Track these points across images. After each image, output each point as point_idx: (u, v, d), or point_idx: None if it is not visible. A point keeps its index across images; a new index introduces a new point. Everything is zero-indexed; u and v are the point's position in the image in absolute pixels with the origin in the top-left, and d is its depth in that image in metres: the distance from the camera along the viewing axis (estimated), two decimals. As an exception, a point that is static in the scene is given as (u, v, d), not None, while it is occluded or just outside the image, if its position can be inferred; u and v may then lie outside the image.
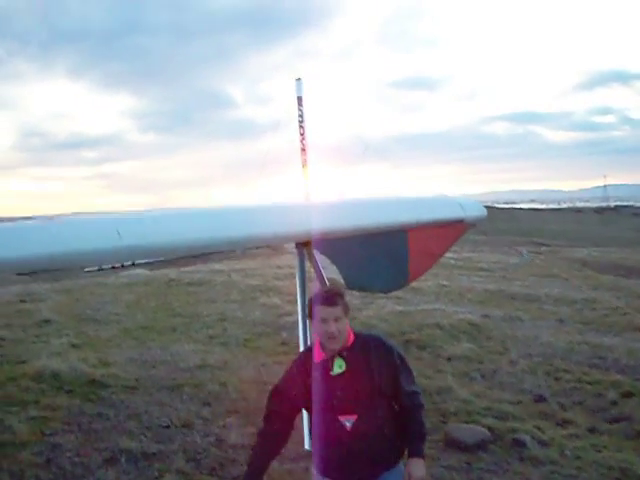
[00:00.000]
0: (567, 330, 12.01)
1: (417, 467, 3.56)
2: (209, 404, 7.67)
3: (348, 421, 3.61)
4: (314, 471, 3.84)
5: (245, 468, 3.82)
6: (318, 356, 3.72)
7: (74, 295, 18.04)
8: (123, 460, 5.93)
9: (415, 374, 3.77)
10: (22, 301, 16.76)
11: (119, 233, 3.46)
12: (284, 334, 11.92)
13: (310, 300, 3.76)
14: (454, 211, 5.84)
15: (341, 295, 3.72)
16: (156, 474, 5.63)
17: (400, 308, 14.38)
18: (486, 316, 13.27)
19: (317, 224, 4.91)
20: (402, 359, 3.78)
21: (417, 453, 3.62)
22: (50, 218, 3.77)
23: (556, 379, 8.73)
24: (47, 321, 13.81)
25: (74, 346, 11.20)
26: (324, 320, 3.60)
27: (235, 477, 5.58)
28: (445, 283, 18.83)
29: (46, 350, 10.50)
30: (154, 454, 6.07)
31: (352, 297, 16.44)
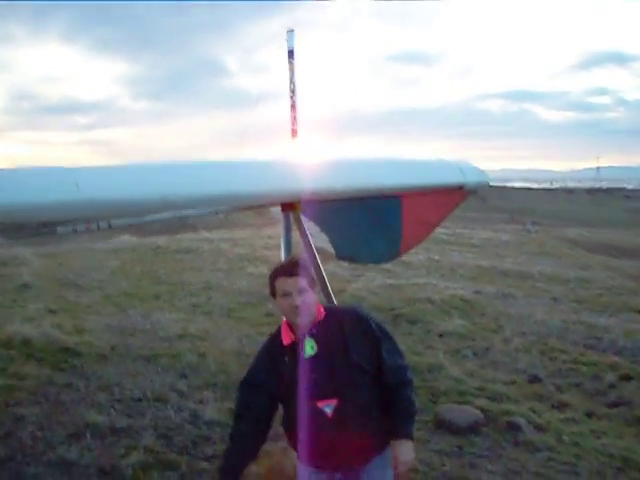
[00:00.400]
0: (561, 309, 11.69)
1: (405, 450, 3.18)
2: (186, 376, 7.26)
3: (328, 407, 3.19)
4: (297, 462, 3.42)
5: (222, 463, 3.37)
6: (286, 338, 3.30)
7: (58, 260, 17.67)
8: (88, 435, 5.50)
9: (405, 350, 3.35)
10: (3, 264, 16.35)
11: (77, 185, 3.01)
12: (270, 305, 11.52)
13: (269, 275, 3.34)
14: (453, 175, 5.35)
15: (304, 265, 3.30)
16: (122, 451, 5.20)
17: (390, 281, 14.05)
18: (478, 292, 12.94)
19: (305, 183, 4.43)
20: (382, 330, 3.35)
21: (405, 434, 3.23)
22: (12, 170, 3.34)
23: (551, 359, 8.36)
24: (26, 285, 13.51)
25: (51, 311, 10.85)
26: (287, 294, 3.19)
27: (208, 457, 5.17)
28: (437, 258, 18.56)
29: (20, 315, 10.08)
30: (123, 429, 5.64)
31: (341, 269, 16.12)
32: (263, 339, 8.49)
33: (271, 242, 20.61)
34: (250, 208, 11.90)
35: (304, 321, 3.21)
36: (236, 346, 8.60)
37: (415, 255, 18.34)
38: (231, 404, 6.25)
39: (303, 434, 3.24)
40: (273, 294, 3.30)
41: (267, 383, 3.30)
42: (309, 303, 3.23)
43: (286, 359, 3.26)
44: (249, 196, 4.15)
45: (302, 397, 3.21)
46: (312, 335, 3.23)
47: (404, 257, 17.52)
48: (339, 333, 3.25)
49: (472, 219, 31.10)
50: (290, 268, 3.25)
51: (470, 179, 5.37)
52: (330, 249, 7.80)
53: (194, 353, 8.09)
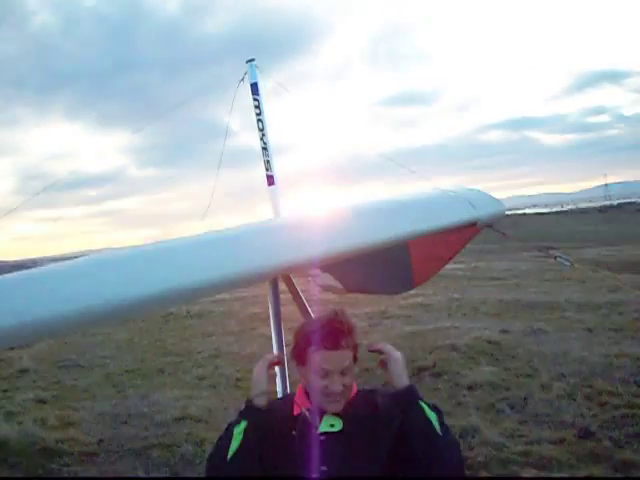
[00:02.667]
0: (599, 341, 10.65)
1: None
2: (177, 474, 6.24)
3: None
4: None
5: None
6: (299, 406, 2.35)
7: (65, 338, 16.85)
8: None
9: None
10: (10, 348, 15.56)
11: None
12: (281, 370, 10.59)
13: (300, 336, 2.38)
14: (464, 212, 4.39)
15: (350, 329, 2.36)
16: None
17: (410, 328, 13.20)
18: (505, 331, 11.98)
19: (299, 251, 3.45)
20: (430, 419, 2.37)
21: None
22: None
23: (601, 405, 7.30)
24: (24, 371, 12.75)
25: (40, 402, 9.96)
26: (326, 373, 2.25)
27: None
28: (456, 296, 17.72)
29: (4, 410, 9.17)
30: None
31: (358, 319, 15.22)
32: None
33: (285, 297, 19.74)
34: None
35: (336, 408, 2.30)
36: (240, 427, 7.60)
37: (434, 296, 17.58)
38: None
39: None
40: (299, 361, 2.38)
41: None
42: (349, 388, 2.31)
43: (294, 433, 2.33)
44: (231, 280, 3.19)
45: None
46: (337, 414, 2.33)
47: (423, 299, 16.76)
48: (370, 421, 2.36)
49: (487, 250, 30.15)
50: (335, 337, 2.31)
51: (483, 212, 4.41)
52: (338, 284, 6.91)
53: (191, 441, 7.10)
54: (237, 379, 10.54)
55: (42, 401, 9.98)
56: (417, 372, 9.38)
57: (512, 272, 23.96)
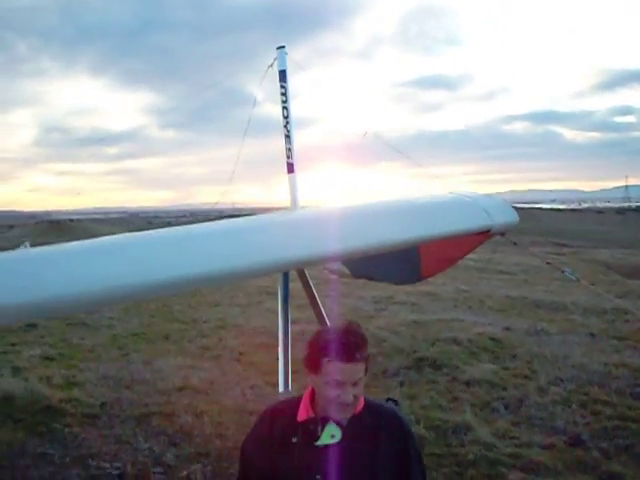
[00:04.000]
0: (600, 348, 10.68)
1: None
2: (176, 444, 6.37)
3: None
4: None
5: None
6: (304, 413, 2.46)
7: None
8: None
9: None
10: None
11: None
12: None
13: (315, 346, 2.47)
14: (478, 219, 4.46)
15: (364, 343, 2.46)
16: None
17: (414, 317, 13.26)
18: (508, 329, 12.06)
19: (312, 249, 3.56)
20: (418, 454, 2.54)
21: None
22: None
23: (594, 414, 7.37)
24: (33, 325, 12.77)
25: (46, 359, 10.11)
26: (339, 384, 2.34)
27: None
28: (464, 288, 17.86)
29: (11, 365, 9.36)
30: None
31: (364, 302, 15.33)
32: (271, 390, 7.64)
33: (292, 273, 19.82)
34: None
35: (346, 415, 2.40)
36: (238, 401, 7.74)
37: (442, 286, 17.65)
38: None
39: None
40: (312, 369, 2.46)
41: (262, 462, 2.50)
42: (359, 398, 2.42)
43: (295, 440, 2.44)
44: (249, 272, 3.31)
45: None
46: (339, 423, 2.41)
47: (431, 288, 16.82)
48: (370, 436, 2.44)
49: (500, 242, 30.07)
50: (351, 350, 2.39)
51: (497, 221, 4.49)
52: (345, 270, 7.00)
53: (190, 413, 7.23)
54: (240, 352, 10.67)
55: (49, 358, 10.16)
56: (417, 362, 9.48)
57: (522, 267, 23.89)
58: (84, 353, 10.71)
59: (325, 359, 2.39)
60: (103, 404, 7.60)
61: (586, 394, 8.03)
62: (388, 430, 2.47)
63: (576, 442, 6.56)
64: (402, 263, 6.15)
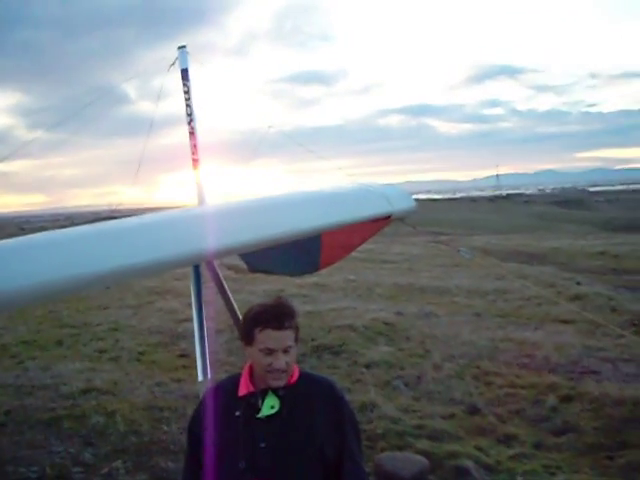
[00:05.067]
0: (486, 325, 11.39)
1: None
2: (91, 443, 6.36)
3: None
4: None
5: None
6: (244, 388, 2.63)
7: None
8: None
9: None
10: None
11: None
12: (183, 344, 10.73)
13: (248, 318, 2.64)
14: (380, 206, 4.77)
15: (292, 312, 2.64)
16: None
17: (308, 307, 13.50)
18: (400, 313, 12.54)
19: (216, 241, 3.72)
20: (354, 422, 2.74)
21: None
22: None
23: (487, 384, 7.93)
24: None
25: None
26: (270, 351, 2.52)
27: None
28: (352, 277, 18.16)
29: None
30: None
31: (254, 296, 15.46)
32: (177, 386, 7.69)
33: (180, 272, 19.68)
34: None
35: (280, 383, 2.57)
36: (147, 398, 7.75)
37: (330, 277, 17.91)
38: (144, 476, 5.52)
39: None
40: (247, 340, 2.62)
41: (215, 448, 2.62)
42: (291, 365, 2.59)
43: (237, 414, 2.60)
44: (151, 267, 3.43)
45: (238, 468, 2.54)
46: (276, 393, 2.59)
47: (320, 279, 17.16)
48: (308, 403, 2.62)
49: (381, 233, 30.88)
50: (279, 318, 2.56)
51: (398, 207, 4.82)
52: (242, 264, 7.15)
53: (100, 413, 7.17)
54: (139, 352, 10.54)
55: (-63, 373, 9.77)
56: (316, 350, 9.76)
57: (405, 256, 24.70)
58: None
59: (257, 329, 2.58)
60: (7, 412, 7.43)
61: (478, 367, 8.58)
62: (322, 397, 2.68)
63: (473, 410, 7.05)
64: (301, 254, 6.38)
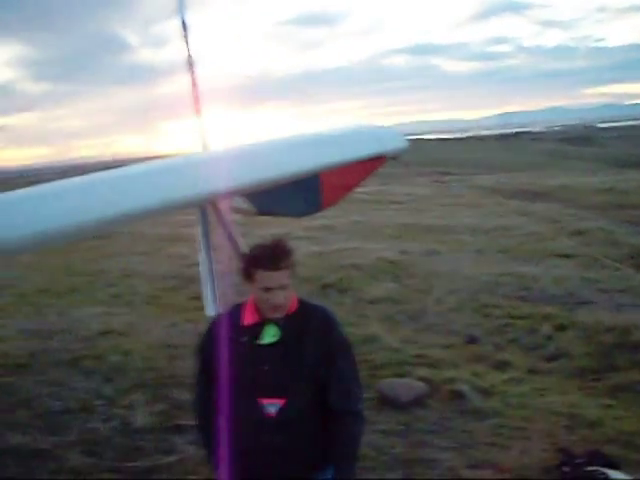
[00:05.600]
0: (487, 261, 11.74)
1: None
2: (111, 379, 6.77)
3: (273, 406, 2.85)
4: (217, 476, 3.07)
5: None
6: (249, 318, 2.96)
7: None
8: (9, 462, 5.02)
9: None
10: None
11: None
12: (194, 287, 11.11)
13: (247, 258, 2.94)
14: (373, 146, 5.08)
15: (288, 253, 2.94)
16: (46, 477, 4.76)
17: (315, 249, 13.85)
18: (404, 252, 12.87)
19: (220, 183, 4.04)
20: (344, 340, 3.03)
21: (343, 476, 2.89)
22: None
23: (485, 316, 8.32)
24: None
25: (-40, 319, 10.12)
26: (268, 289, 2.84)
27: (142, 470, 4.79)
28: (358, 219, 18.48)
29: None
30: (46, 450, 5.15)
31: (260, 240, 15.78)
32: (191, 326, 8.11)
33: (190, 218, 19.97)
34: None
35: (277, 316, 2.90)
36: (162, 338, 8.17)
37: (336, 218, 18.21)
38: (163, 406, 5.92)
39: (235, 435, 2.91)
40: (247, 279, 2.92)
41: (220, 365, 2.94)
42: (289, 297, 2.91)
43: (244, 340, 2.92)
44: (161, 207, 3.77)
45: (245, 389, 2.89)
46: (276, 322, 2.92)
47: (327, 221, 17.48)
48: (304, 329, 2.92)
49: (388, 175, 31.03)
50: (275, 260, 2.84)
51: (390, 147, 5.13)
52: (249, 207, 7.49)
53: (118, 352, 7.59)
54: (152, 296, 10.95)
55: (-38, 319, 10.20)
56: (323, 288, 10.13)
57: (411, 197, 24.96)
58: None
59: (255, 269, 2.91)
60: (31, 354, 7.85)
61: (477, 301, 8.96)
62: (314, 321, 3.01)
63: (471, 340, 7.45)
64: (303, 194, 6.70)
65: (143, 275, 12.89)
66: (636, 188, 23.63)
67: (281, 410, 2.83)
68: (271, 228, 16.75)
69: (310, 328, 2.94)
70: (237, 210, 8.34)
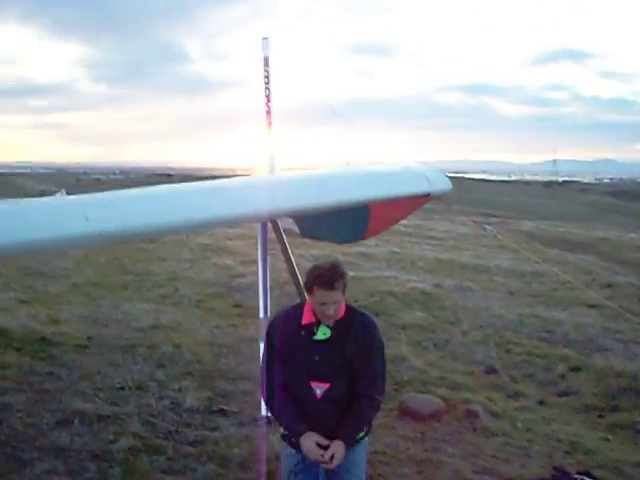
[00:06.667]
0: (517, 303, 12.24)
1: (340, 450, 3.58)
2: (163, 366, 7.54)
3: (320, 388, 3.64)
4: (283, 444, 3.86)
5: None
6: (308, 318, 3.72)
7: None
8: (76, 422, 5.79)
9: None
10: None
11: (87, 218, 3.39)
12: (237, 296, 11.86)
13: (309, 277, 3.71)
14: (420, 185, 5.78)
15: (342, 276, 3.69)
16: (111, 437, 5.52)
17: (353, 273, 14.40)
18: (438, 285, 13.46)
19: (281, 204, 4.86)
20: (380, 344, 3.86)
21: (345, 439, 3.64)
22: (16, 203, 3.68)
23: (507, 351, 8.89)
24: (-7, 274, 13.35)
25: (23, 302, 10.96)
26: (323, 303, 3.59)
27: (192, 442, 5.52)
28: (396, 250, 19.03)
29: (-6, 306, 10.24)
30: (108, 416, 5.93)
31: (303, 260, 16.49)
32: (234, 330, 8.84)
33: (232, 232, 20.80)
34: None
35: (329, 323, 3.66)
36: (208, 337, 8.92)
37: (376, 247, 18.83)
38: (209, 393, 6.66)
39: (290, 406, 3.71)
40: (308, 292, 3.69)
41: (284, 353, 3.75)
42: (338, 310, 3.66)
43: (302, 333, 3.69)
44: (231, 219, 4.58)
45: (300, 372, 3.64)
46: (328, 325, 3.66)
47: (365, 249, 18.09)
48: (349, 329, 3.69)
49: (430, 210, 31.57)
50: (330, 281, 3.58)
51: (436, 187, 5.81)
52: (295, 229, 8.20)
53: (169, 344, 8.36)
54: (198, 300, 11.64)
55: (23, 301, 10.98)
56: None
57: (451, 234, 25.44)
58: (53, 298, 11.46)
59: (314, 286, 3.67)
60: (90, 337, 8.65)
61: (501, 337, 9.53)
62: (359, 326, 3.78)
63: (490, 371, 8.06)
64: (350, 222, 7.36)
65: (189, 280, 13.57)
66: (676, 248, 23.77)
67: (326, 392, 3.63)
68: (312, 249, 17.46)
69: (354, 331, 3.71)
70: (285, 231, 9.12)
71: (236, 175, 6.03)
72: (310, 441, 3.58)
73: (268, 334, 3.91)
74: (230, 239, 19.67)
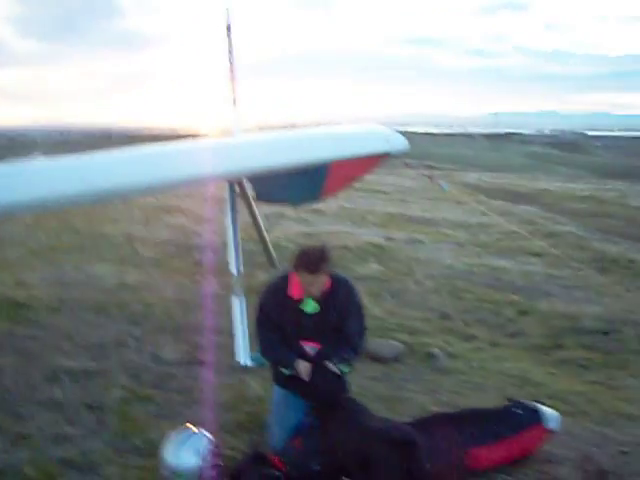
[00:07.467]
0: (466, 253, 12.92)
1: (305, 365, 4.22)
2: (137, 323, 7.83)
3: (312, 348, 4.22)
4: (273, 384, 4.45)
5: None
6: (297, 293, 4.24)
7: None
8: (65, 378, 6.08)
9: None
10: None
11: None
12: (196, 254, 12.08)
13: (296, 259, 4.19)
14: (381, 145, 6.22)
15: (325, 260, 4.15)
16: (102, 390, 5.83)
17: (306, 229, 14.86)
18: (390, 239, 14.05)
19: (247, 163, 5.27)
20: (358, 303, 4.55)
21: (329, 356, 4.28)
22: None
23: (459, 298, 9.51)
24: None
25: (-15, 267, 11.00)
26: (307, 283, 4.04)
27: (177, 391, 5.92)
28: (346, 205, 19.40)
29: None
30: (95, 371, 6.25)
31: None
32: (199, 288, 9.16)
33: (182, 192, 20.73)
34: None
35: (315, 296, 4.20)
36: (175, 294, 9.14)
37: (325, 204, 19.11)
38: (185, 346, 7.04)
39: None
40: (295, 271, 4.22)
41: (276, 319, 4.31)
42: (322, 286, 4.19)
43: (292, 306, 4.25)
44: (201, 179, 4.99)
45: (292, 336, 4.21)
46: (315, 299, 4.19)
47: (316, 206, 18.41)
48: (334, 299, 4.28)
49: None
50: (314, 265, 4.10)
51: (395, 148, 6.26)
52: (252, 191, 8.52)
53: (138, 302, 8.61)
54: (157, 259, 11.79)
55: (-16, 267, 11.06)
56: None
57: (397, 188, 25.96)
58: (14, 263, 11.44)
59: (299, 267, 4.14)
60: (60, 300, 8.82)
61: (453, 285, 10.14)
62: (341, 291, 4.31)
63: (445, 317, 8.63)
64: (306, 184, 7.71)
65: (146, 241, 13.58)
66: (613, 198, 24.83)
67: (316, 351, 4.24)
68: (262, 209, 17.66)
69: (338, 298, 4.28)
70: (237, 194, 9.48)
71: (191, 136, 6.30)
72: (302, 365, 4.16)
73: (260, 305, 4.43)
74: (179, 197, 19.61)
